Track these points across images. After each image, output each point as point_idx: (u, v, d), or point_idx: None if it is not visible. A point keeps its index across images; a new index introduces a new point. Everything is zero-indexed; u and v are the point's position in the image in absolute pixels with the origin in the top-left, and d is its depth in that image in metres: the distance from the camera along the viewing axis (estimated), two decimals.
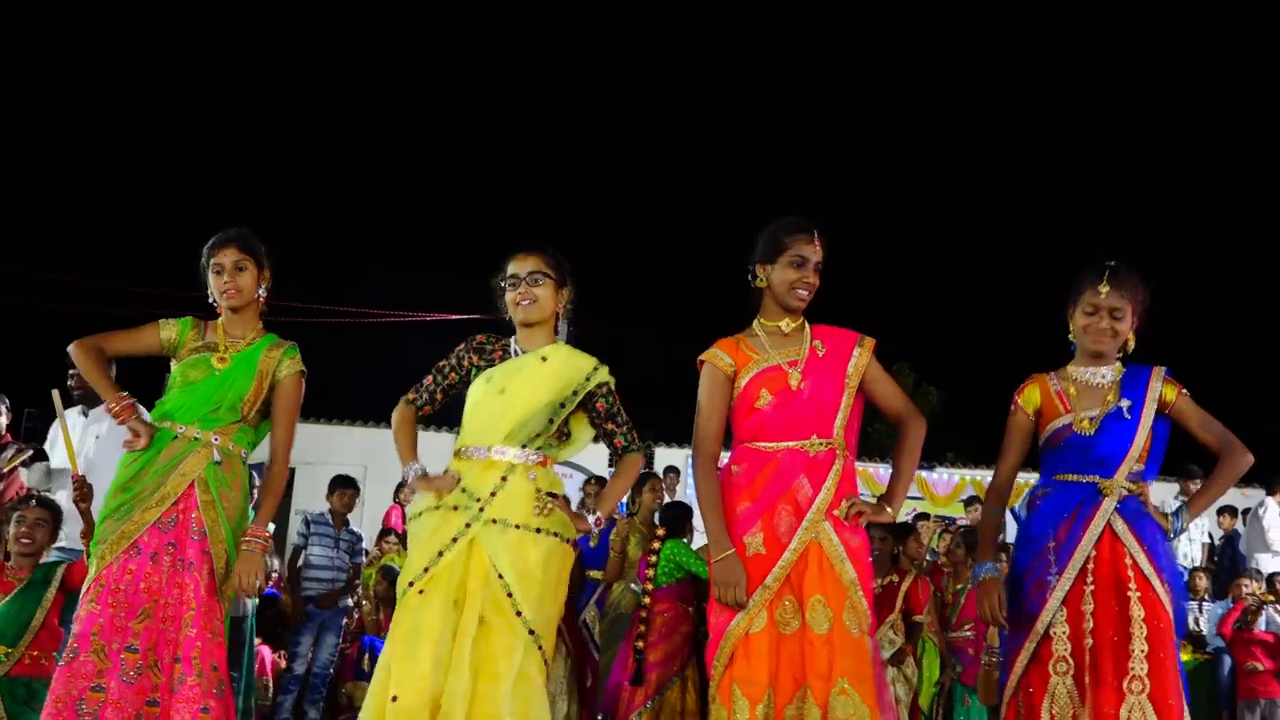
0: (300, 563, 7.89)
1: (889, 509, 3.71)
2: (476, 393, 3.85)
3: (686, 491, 13.66)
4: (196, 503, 3.88)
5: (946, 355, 23.64)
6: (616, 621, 6.70)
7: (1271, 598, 9.13)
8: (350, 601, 8.14)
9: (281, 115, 29.62)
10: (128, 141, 26.88)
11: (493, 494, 3.69)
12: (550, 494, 3.77)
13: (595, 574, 7.26)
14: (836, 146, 31.32)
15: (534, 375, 3.81)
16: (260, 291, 4.12)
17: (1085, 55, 30.73)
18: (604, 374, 3.90)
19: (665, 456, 15.02)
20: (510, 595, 3.61)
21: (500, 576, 3.62)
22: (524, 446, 3.75)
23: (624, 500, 7.27)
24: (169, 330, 4.07)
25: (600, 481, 8.50)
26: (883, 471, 14.40)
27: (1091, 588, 3.60)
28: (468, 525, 3.65)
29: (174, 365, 4.05)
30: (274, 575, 8.60)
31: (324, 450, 14.12)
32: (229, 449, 3.97)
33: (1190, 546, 11.43)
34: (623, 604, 6.72)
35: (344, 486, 8.13)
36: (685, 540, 6.75)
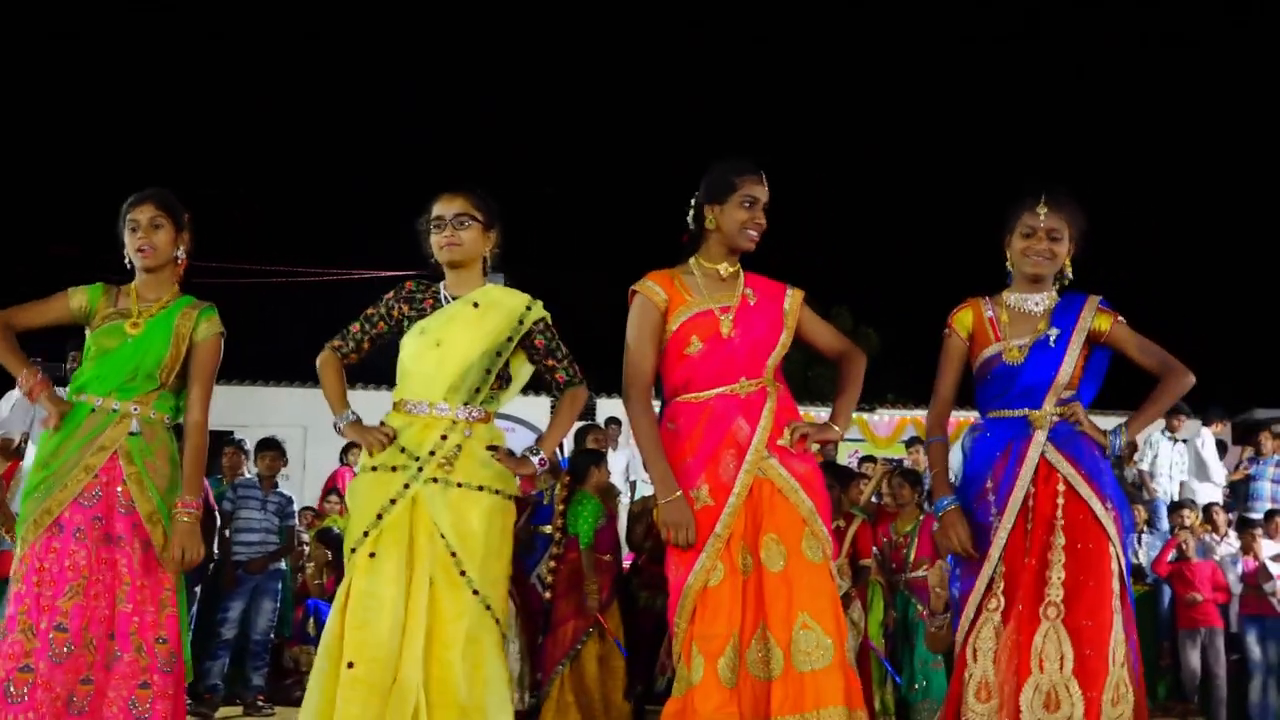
0: (229, 528, 7.72)
1: (835, 427, 3.73)
2: (411, 345, 3.78)
3: (630, 442, 13.66)
4: (121, 475, 3.77)
5: (884, 297, 23.79)
6: None
7: (1208, 528, 9.29)
8: (284, 565, 8.00)
9: (285, 112, 29.27)
10: (128, 132, 26.46)
11: (431, 453, 3.64)
12: (490, 446, 3.73)
13: (546, 529, 7.22)
14: (774, 87, 31.27)
15: (468, 324, 3.76)
16: (178, 254, 3.97)
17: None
18: (539, 310, 3.85)
19: (607, 407, 14.94)
20: (454, 555, 3.57)
21: (443, 537, 3.58)
22: (466, 404, 3.70)
23: (566, 456, 7.24)
24: (79, 298, 3.92)
25: None
26: (825, 415, 14.52)
27: (1031, 525, 3.58)
28: (406, 486, 3.60)
29: (88, 335, 3.91)
30: None
31: (262, 413, 13.95)
32: (150, 417, 3.85)
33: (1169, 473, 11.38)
34: (547, 558, 6.67)
35: (267, 449, 7.99)
36: (589, 488, 6.73)
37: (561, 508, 6.58)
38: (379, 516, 3.59)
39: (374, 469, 3.67)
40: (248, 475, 8.13)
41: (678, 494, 3.49)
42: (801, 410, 3.90)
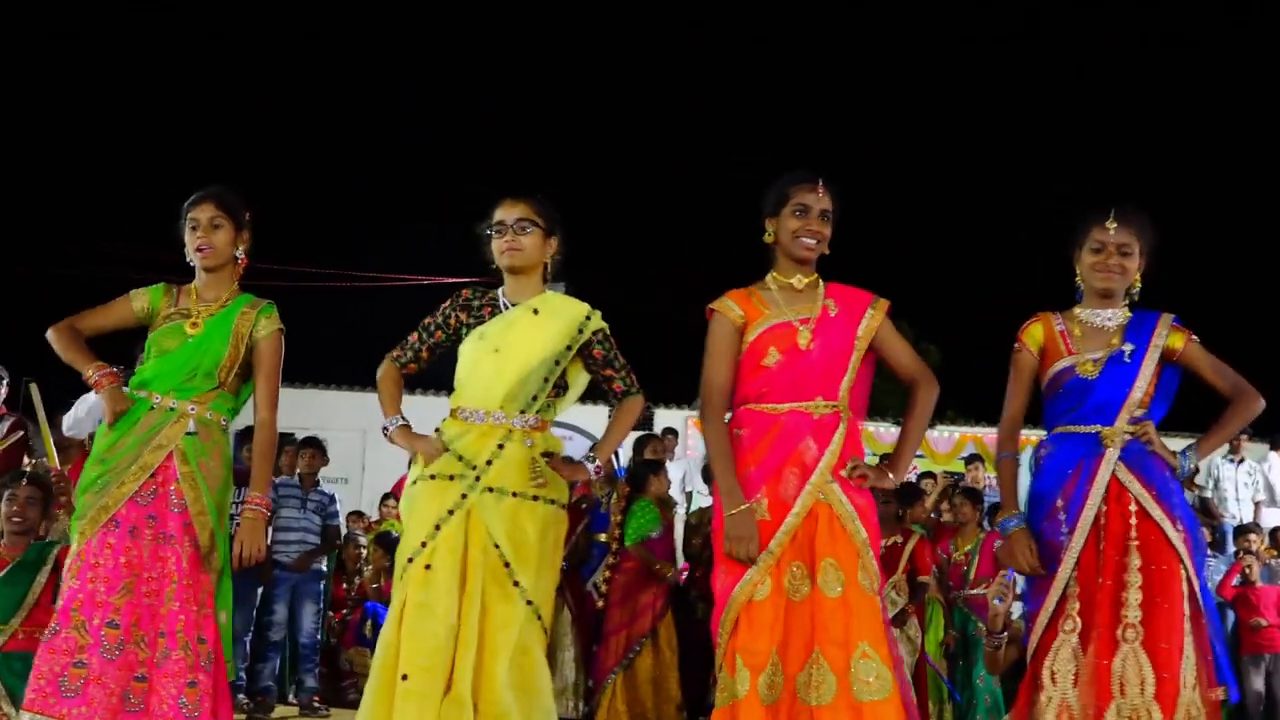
0: (270, 527, 7.50)
1: (891, 475, 3.63)
2: (470, 351, 3.76)
3: (686, 454, 13.64)
4: (175, 474, 3.77)
5: (947, 312, 23.57)
6: None
7: (1274, 552, 9.12)
8: (324, 566, 7.85)
9: (349, 115, 29.66)
10: (133, 123, 26.81)
11: (489, 462, 3.63)
12: (546, 453, 3.71)
13: (602, 537, 7.23)
14: (839, 102, 31.12)
15: (527, 331, 3.74)
16: (238, 253, 3.97)
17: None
18: (597, 320, 3.83)
19: (664, 418, 14.95)
20: (507, 566, 3.57)
21: (496, 546, 3.57)
22: (522, 412, 3.69)
23: (624, 465, 7.24)
24: (141, 300, 3.94)
25: None
26: (883, 431, 14.37)
27: (1104, 545, 3.53)
28: (464, 496, 3.59)
29: (150, 334, 3.92)
30: None
31: (322, 416, 14.09)
32: (206, 418, 3.84)
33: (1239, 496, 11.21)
34: (603, 568, 6.68)
35: (307, 447, 7.89)
36: (649, 496, 6.71)
37: (619, 517, 6.57)
38: (436, 527, 3.57)
39: (432, 477, 3.65)
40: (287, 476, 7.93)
41: (744, 506, 3.42)
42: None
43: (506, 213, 3.78)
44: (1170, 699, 3.35)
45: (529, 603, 3.58)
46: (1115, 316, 3.75)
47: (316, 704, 7.39)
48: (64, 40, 27.30)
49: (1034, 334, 3.81)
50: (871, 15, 32.46)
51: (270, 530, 7.44)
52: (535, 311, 3.77)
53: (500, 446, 3.65)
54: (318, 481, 7.84)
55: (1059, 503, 3.61)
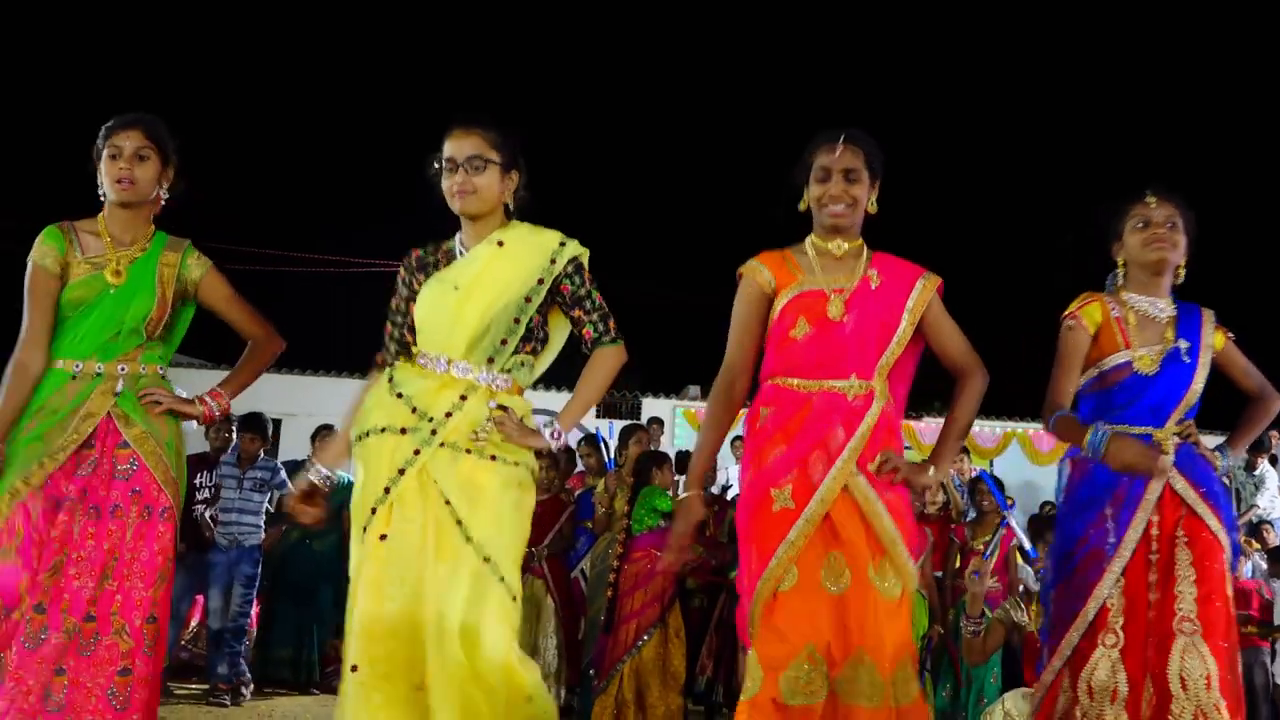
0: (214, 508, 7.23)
1: (932, 470, 3.27)
2: (428, 294, 3.29)
3: (673, 444, 13.65)
4: (119, 438, 3.39)
5: (947, 304, 23.61)
6: (603, 575, 6.68)
7: (1257, 546, 9.16)
8: (258, 549, 7.30)
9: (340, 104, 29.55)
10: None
11: (448, 414, 3.15)
12: (500, 407, 3.21)
13: (589, 525, 7.24)
14: (842, 96, 31.11)
15: (491, 264, 3.26)
16: (160, 191, 3.55)
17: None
18: (574, 248, 3.32)
19: (651, 407, 14.98)
20: (460, 523, 3.08)
21: (448, 503, 3.09)
22: (490, 362, 3.22)
23: (612, 455, 7.24)
24: (46, 257, 3.43)
25: (593, 441, 8.37)
26: (920, 426, 14.36)
27: (1156, 556, 3.42)
28: (417, 452, 3.11)
29: (61, 292, 3.45)
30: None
31: (309, 401, 14.07)
32: (140, 373, 3.47)
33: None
34: (609, 557, 6.70)
35: (248, 429, 7.40)
36: (657, 486, 6.72)
37: (625, 508, 6.58)
38: (386, 490, 3.10)
39: (383, 430, 3.16)
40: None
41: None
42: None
43: (456, 147, 3.26)
44: (1236, 696, 3.27)
45: (486, 559, 3.06)
46: (1166, 308, 3.63)
47: (221, 691, 6.87)
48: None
49: (1092, 313, 3.64)
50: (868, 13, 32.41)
51: (212, 510, 7.17)
52: (499, 244, 3.29)
53: (462, 398, 3.17)
54: (256, 457, 7.39)
55: (1108, 510, 3.48)
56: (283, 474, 7.48)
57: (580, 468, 8.27)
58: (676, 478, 7.13)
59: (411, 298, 3.34)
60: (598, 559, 6.93)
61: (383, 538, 3.08)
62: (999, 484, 8.37)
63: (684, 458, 7.88)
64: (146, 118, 3.50)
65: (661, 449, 11.64)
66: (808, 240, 3.39)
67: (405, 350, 3.35)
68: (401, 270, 3.41)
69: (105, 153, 3.45)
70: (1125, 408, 3.54)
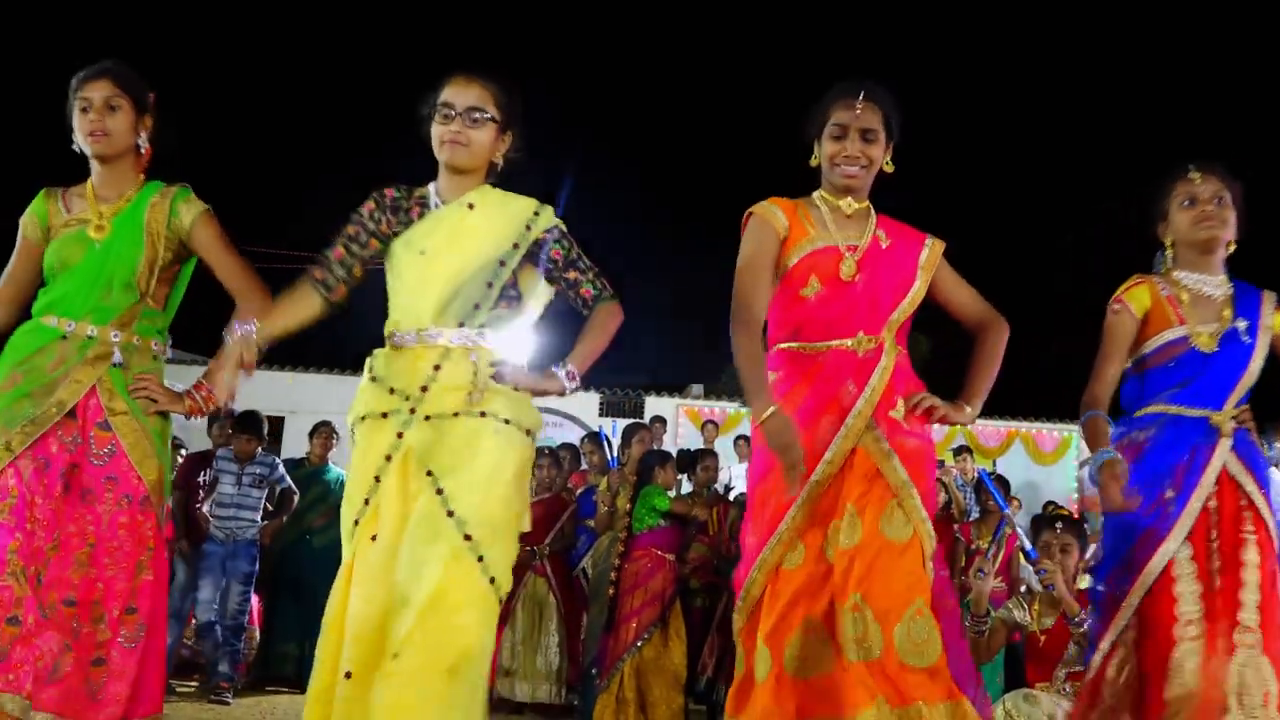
0: (210, 501, 7.17)
1: (967, 408, 3.17)
2: (395, 263, 3.12)
3: (676, 442, 13.64)
4: (100, 416, 3.20)
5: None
6: (605, 574, 6.68)
7: None
8: (254, 544, 7.21)
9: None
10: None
11: (424, 389, 2.97)
12: (496, 363, 3.04)
13: (591, 524, 7.23)
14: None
15: (461, 228, 3.09)
16: (140, 141, 3.37)
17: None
18: (550, 216, 3.17)
19: (654, 406, 14.96)
20: (440, 493, 2.86)
21: (429, 475, 2.89)
22: (462, 325, 3.03)
23: (615, 454, 7.24)
24: (27, 222, 3.35)
25: (597, 438, 8.34)
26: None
27: (1217, 539, 3.22)
28: (400, 436, 2.94)
29: (46, 252, 3.34)
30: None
31: (310, 399, 14.06)
32: (133, 344, 3.28)
33: None
34: (611, 556, 6.70)
35: (243, 430, 7.26)
36: (659, 485, 6.72)
37: (627, 506, 6.58)
38: (377, 479, 2.93)
39: (363, 418, 3.02)
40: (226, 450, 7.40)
41: (773, 408, 2.91)
42: None
43: (457, 94, 3.08)
44: None
45: (467, 537, 2.83)
46: (1221, 286, 3.46)
47: (223, 690, 6.76)
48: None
49: (1139, 296, 3.47)
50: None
51: (209, 504, 7.13)
52: (470, 206, 3.12)
53: (436, 368, 2.99)
54: (253, 455, 7.28)
55: (1169, 492, 3.27)
56: (281, 469, 7.44)
57: (584, 465, 8.27)
58: (679, 476, 7.13)
59: (376, 233, 3.14)
60: (599, 558, 6.93)
61: (374, 538, 2.91)
62: (1004, 484, 8.36)
63: (686, 456, 7.87)
64: (114, 65, 3.32)
65: (665, 447, 11.68)
66: (817, 194, 3.27)
67: (349, 278, 3.15)
68: (370, 202, 3.17)
69: (76, 107, 3.30)
70: (1182, 386, 3.38)
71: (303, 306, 3.12)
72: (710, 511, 6.98)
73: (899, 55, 31.13)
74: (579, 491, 7.55)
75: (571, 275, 3.17)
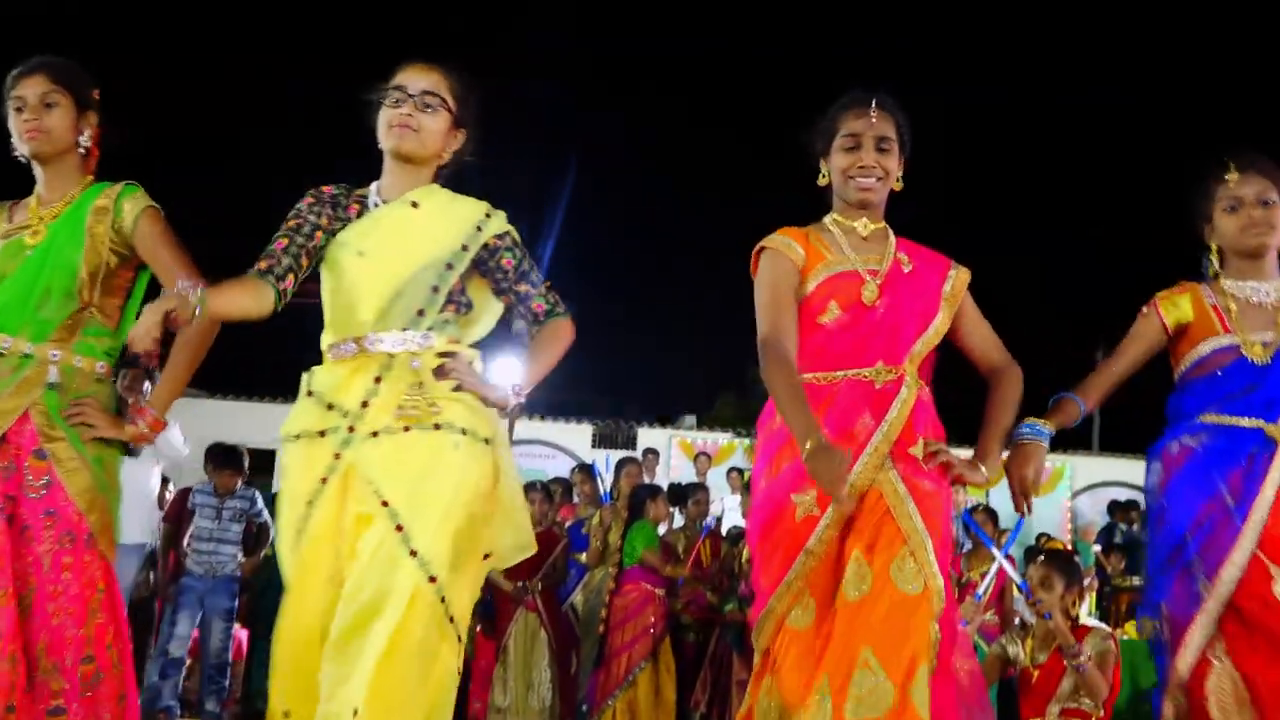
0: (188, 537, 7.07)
1: (983, 469, 2.94)
2: (331, 265, 2.85)
3: (669, 474, 13.62)
4: (35, 444, 2.88)
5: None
6: (596, 609, 6.67)
7: None
8: (236, 579, 7.15)
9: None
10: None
11: (365, 404, 2.68)
12: (446, 353, 2.78)
13: (581, 557, 7.22)
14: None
15: (404, 227, 2.83)
16: (83, 140, 3.09)
17: None
18: (502, 221, 2.91)
19: (646, 437, 14.93)
20: (400, 529, 2.55)
21: (385, 504, 2.58)
22: (405, 330, 2.76)
23: (608, 489, 7.24)
24: None
25: (588, 470, 8.31)
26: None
27: (1269, 557, 2.93)
28: (337, 456, 2.65)
29: None
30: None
31: None
32: (73, 365, 2.95)
33: None
34: (603, 589, 6.69)
35: (225, 465, 7.12)
36: (650, 520, 6.71)
37: (618, 541, 6.59)
38: (309, 504, 2.65)
39: (297, 436, 2.73)
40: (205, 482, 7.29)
41: (817, 439, 2.61)
42: None
43: (411, 78, 2.87)
44: None
45: (432, 579, 2.54)
46: (1273, 292, 3.21)
47: None
48: None
49: (1179, 305, 3.24)
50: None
51: (187, 538, 7.03)
52: (414, 205, 2.87)
53: (378, 380, 2.71)
54: (234, 488, 7.20)
55: (1226, 498, 3.01)
56: (260, 504, 7.37)
57: (575, 498, 8.27)
58: (671, 509, 7.13)
59: (318, 227, 2.85)
60: (591, 594, 6.91)
61: (313, 570, 2.66)
62: (993, 516, 8.34)
63: (678, 490, 7.88)
64: (51, 60, 3.07)
65: (658, 479, 11.67)
66: (828, 218, 3.07)
67: (295, 268, 2.81)
68: (308, 197, 2.91)
69: (11, 108, 3.04)
70: (1231, 399, 3.14)
71: (251, 293, 2.74)
72: (703, 544, 6.98)
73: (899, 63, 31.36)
74: (568, 524, 7.54)
75: (523, 288, 2.90)
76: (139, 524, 6.50)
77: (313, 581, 2.64)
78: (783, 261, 2.95)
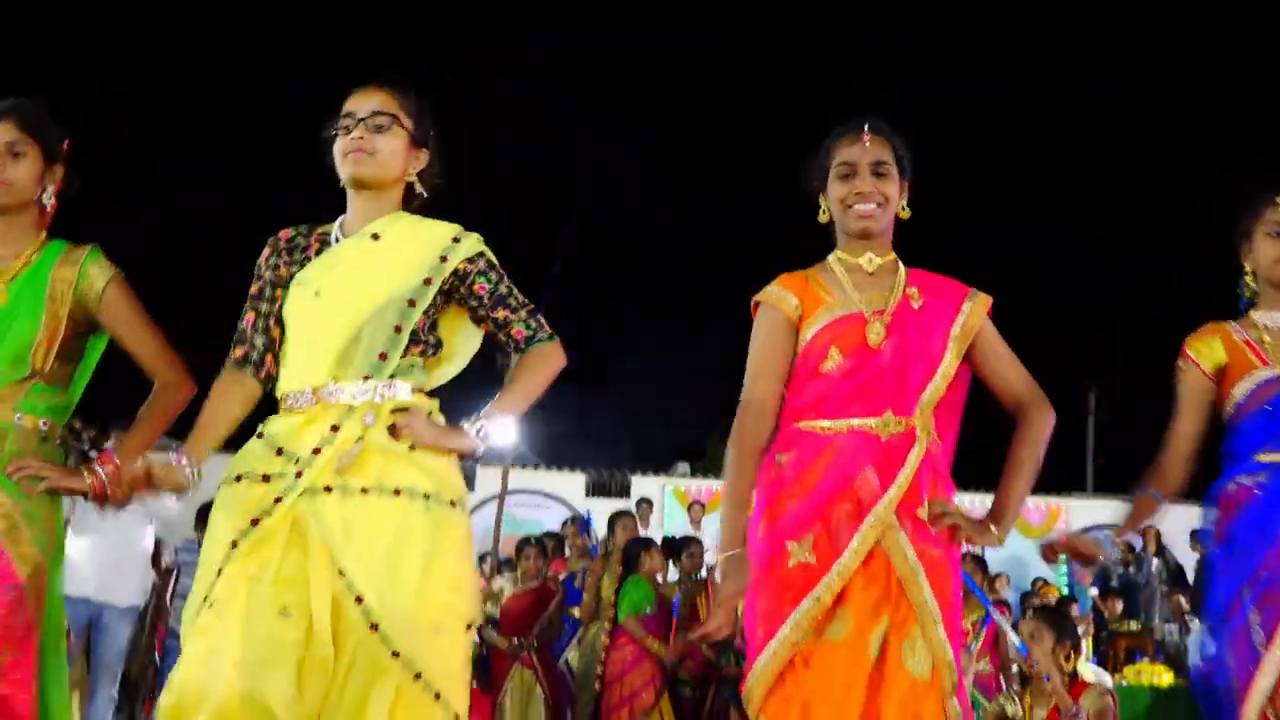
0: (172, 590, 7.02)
1: (994, 529, 2.75)
2: (288, 307, 2.66)
3: (664, 525, 13.58)
4: None
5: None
6: (591, 665, 6.64)
7: None
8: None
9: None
10: None
11: (316, 450, 2.47)
12: (399, 409, 2.54)
13: (575, 612, 7.20)
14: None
15: (362, 262, 2.63)
16: (45, 196, 2.91)
17: None
18: (474, 243, 2.68)
19: (640, 486, 14.88)
20: (376, 628, 2.35)
21: (359, 600, 2.36)
22: (367, 378, 2.54)
23: (599, 541, 7.24)
24: None
25: (579, 522, 8.30)
26: (976, 503, 14.15)
27: None
28: (277, 501, 2.43)
29: None
30: None
31: None
32: (15, 423, 2.77)
33: None
34: (597, 644, 6.66)
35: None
36: (643, 574, 6.69)
37: (611, 596, 6.58)
38: (233, 544, 2.41)
39: (238, 478, 2.51)
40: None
41: (735, 552, 2.63)
42: None
43: (358, 102, 2.68)
44: None
45: (417, 676, 2.37)
46: None
47: None
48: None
49: (1211, 347, 3.13)
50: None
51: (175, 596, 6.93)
52: (375, 237, 2.66)
53: (334, 428, 2.49)
54: None
55: None
56: None
57: (566, 551, 8.26)
58: (666, 562, 7.12)
59: (276, 281, 2.70)
60: (586, 649, 6.89)
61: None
62: (981, 564, 8.28)
63: (671, 544, 7.87)
64: (22, 105, 2.89)
65: (651, 530, 11.65)
66: (832, 257, 2.89)
67: (270, 346, 2.69)
68: (266, 249, 2.76)
69: None
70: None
71: (235, 400, 2.66)
72: (700, 597, 6.96)
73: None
74: (562, 577, 7.54)
75: (501, 314, 2.67)
76: (136, 585, 6.48)
77: (217, 629, 2.37)
78: (775, 317, 2.81)
